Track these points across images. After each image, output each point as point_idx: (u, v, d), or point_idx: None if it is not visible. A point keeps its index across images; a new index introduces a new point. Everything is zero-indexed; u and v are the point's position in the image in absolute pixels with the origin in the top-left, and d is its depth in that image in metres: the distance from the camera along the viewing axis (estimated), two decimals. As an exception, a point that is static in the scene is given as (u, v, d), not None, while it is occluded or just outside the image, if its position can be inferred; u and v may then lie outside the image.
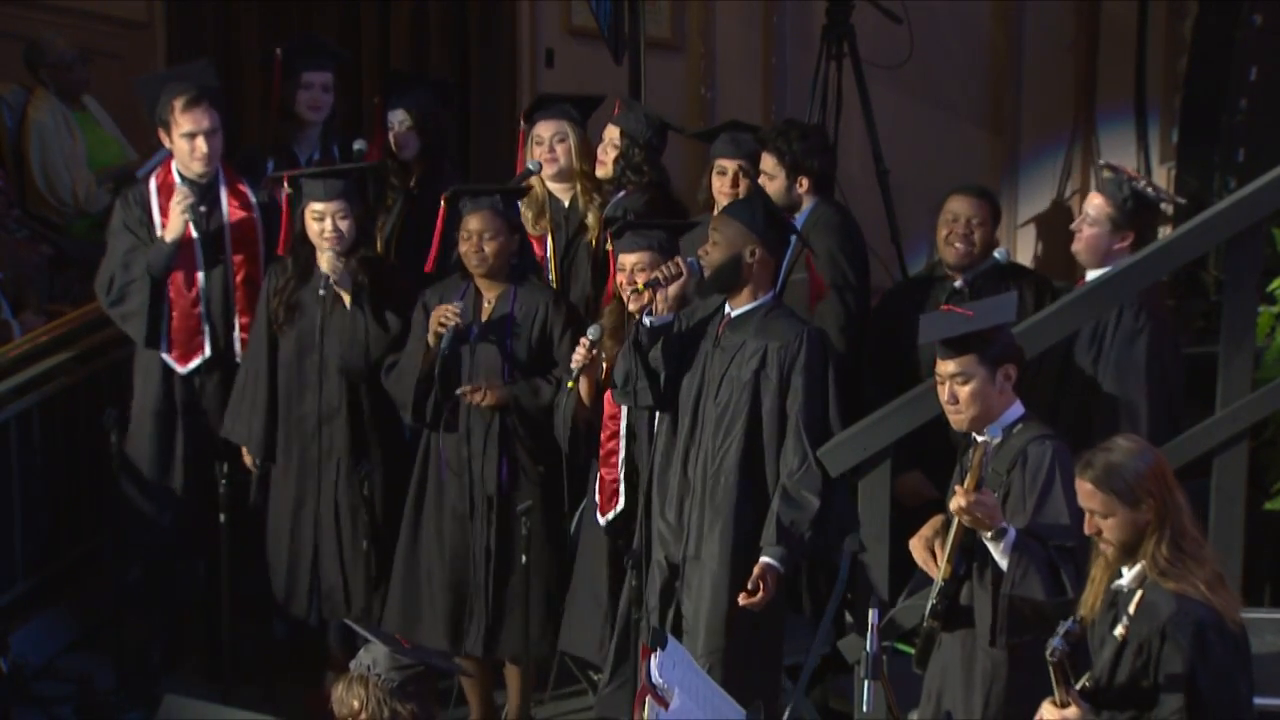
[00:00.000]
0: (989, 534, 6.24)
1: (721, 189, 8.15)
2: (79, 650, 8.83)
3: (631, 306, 7.39)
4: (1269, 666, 6.67)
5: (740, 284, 7.18)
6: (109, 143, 10.64)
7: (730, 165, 8.15)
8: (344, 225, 7.95)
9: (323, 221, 7.96)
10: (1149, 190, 7.45)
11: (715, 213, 7.51)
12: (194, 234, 8.24)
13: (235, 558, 8.20)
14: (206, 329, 8.31)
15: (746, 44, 10.52)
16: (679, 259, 7.26)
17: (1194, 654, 5.51)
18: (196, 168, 8.22)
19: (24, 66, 10.47)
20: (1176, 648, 5.53)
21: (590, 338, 7.45)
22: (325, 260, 7.97)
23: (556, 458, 7.72)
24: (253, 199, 8.36)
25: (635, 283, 7.37)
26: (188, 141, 8.22)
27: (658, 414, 7.41)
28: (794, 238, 7.60)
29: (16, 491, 8.67)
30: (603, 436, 7.61)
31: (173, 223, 8.21)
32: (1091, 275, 7.38)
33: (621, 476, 7.54)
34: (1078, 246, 7.47)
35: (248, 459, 8.26)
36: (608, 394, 7.53)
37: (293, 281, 8.06)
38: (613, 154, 8.25)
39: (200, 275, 8.29)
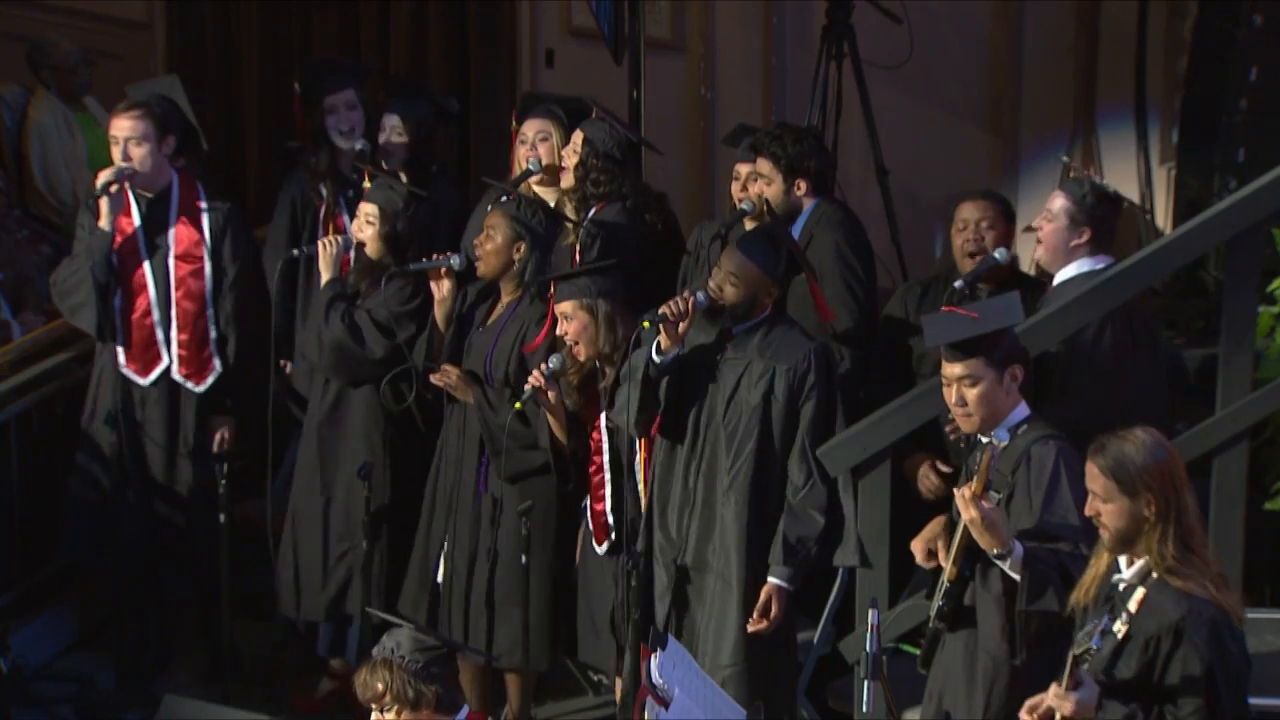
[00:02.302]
0: (996, 550, 6.24)
1: (735, 193, 8.16)
2: (79, 650, 8.83)
3: (581, 356, 7.41)
4: (1269, 666, 6.68)
5: (752, 317, 7.18)
6: (109, 144, 10.62)
7: (744, 170, 8.15)
8: (367, 231, 8.04)
9: (358, 219, 8.09)
10: (1108, 186, 7.43)
11: (731, 246, 7.30)
12: (137, 222, 8.26)
13: (235, 558, 8.22)
14: (160, 338, 8.32)
15: (746, 44, 10.52)
16: (686, 293, 7.16)
17: (1213, 655, 5.53)
18: (104, 176, 8.23)
19: (26, 66, 10.48)
20: (1194, 649, 5.53)
21: (551, 366, 7.44)
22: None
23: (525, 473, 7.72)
24: (205, 218, 8.34)
25: (566, 332, 7.40)
26: (113, 146, 8.26)
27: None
28: (794, 237, 7.59)
29: (17, 491, 8.67)
30: (590, 469, 7.61)
31: (102, 211, 8.25)
32: (1058, 278, 7.35)
33: (609, 509, 7.54)
34: (1039, 252, 7.43)
35: None
36: (597, 423, 7.52)
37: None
38: (573, 160, 8.21)
39: (151, 286, 8.30)
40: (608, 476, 7.52)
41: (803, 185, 8.01)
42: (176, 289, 8.30)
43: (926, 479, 7.53)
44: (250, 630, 8.57)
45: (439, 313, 7.84)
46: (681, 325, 7.11)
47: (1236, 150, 9.10)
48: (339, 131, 8.72)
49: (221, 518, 8.06)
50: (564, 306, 7.44)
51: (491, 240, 7.72)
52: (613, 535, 7.51)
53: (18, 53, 10.61)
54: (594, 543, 7.60)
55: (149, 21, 11.76)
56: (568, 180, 8.16)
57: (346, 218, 8.65)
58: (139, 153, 8.21)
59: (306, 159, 8.82)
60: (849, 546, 7.14)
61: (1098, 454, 5.69)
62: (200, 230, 8.33)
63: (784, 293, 7.28)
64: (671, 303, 7.12)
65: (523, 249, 7.71)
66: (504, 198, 7.96)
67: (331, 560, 8.20)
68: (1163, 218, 9.81)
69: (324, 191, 8.70)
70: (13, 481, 8.66)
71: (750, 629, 7.08)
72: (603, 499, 7.53)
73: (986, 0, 10.10)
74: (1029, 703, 5.75)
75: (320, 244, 8.15)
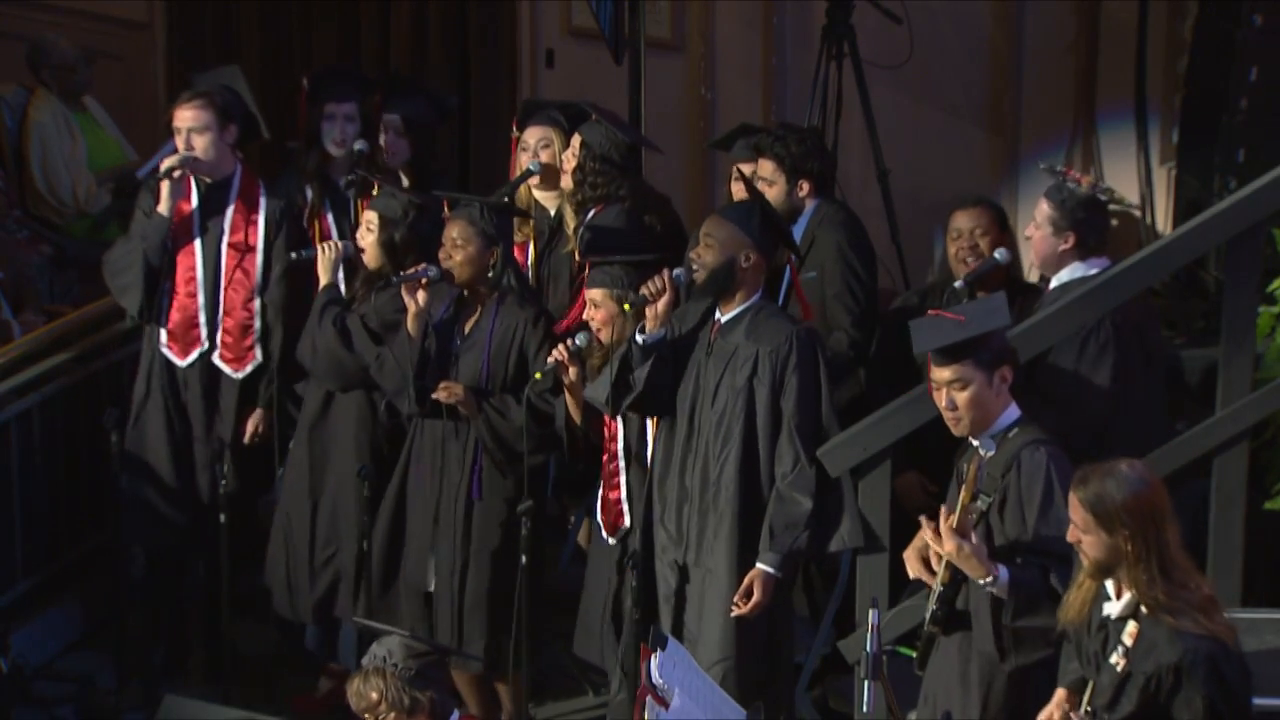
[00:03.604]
0: (980, 579, 6.25)
1: (737, 194, 8.15)
2: (79, 650, 8.83)
3: (601, 327, 7.44)
4: (1269, 666, 6.67)
5: (733, 289, 7.14)
6: (109, 144, 10.65)
7: (746, 169, 8.15)
8: (367, 238, 8.02)
9: (361, 227, 8.09)
10: (1087, 191, 7.42)
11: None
12: (194, 203, 8.28)
13: (235, 557, 8.22)
14: (202, 321, 8.34)
15: (746, 44, 10.53)
16: (665, 272, 7.19)
17: (1214, 691, 5.55)
18: (168, 162, 8.27)
19: (26, 67, 10.49)
20: (1195, 689, 5.55)
21: (577, 343, 7.44)
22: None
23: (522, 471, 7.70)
24: (262, 206, 8.38)
25: (593, 319, 7.44)
26: (176, 136, 8.29)
27: (651, 424, 7.41)
28: (797, 238, 7.58)
29: (16, 491, 8.68)
30: (604, 458, 7.60)
31: (162, 196, 8.27)
32: (1053, 283, 7.36)
33: (624, 496, 7.53)
34: (1033, 258, 7.46)
35: None
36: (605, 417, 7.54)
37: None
38: (572, 163, 8.22)
39: (199, 268, 8.33)
40: (622, 464, 7.52)
41: (805, 186, 8.02)
42: (226, 275, 8.35)
43: (912, 499, 7.55)
44: (250, 630, 8.57)
45: (413, 325, 7.78)
46: (661, 303, 7.12)
47: (1236, 150, 9.11)
48: (332, 140, 8.72)
49: (222, 517, 8.07)
50: (594, 293, 7.48)
51: (464, 250, 7.69)
52: (628, 520, 7.49)
53: (18, 53, 10.61)
54: (603, 533, 7.60)
55: (149, 21, 11.76)
56: (567, 183, 8.17)
57: (330, 219, 8.68)
58: (201, 142, 8.26)
59: (298, 158, 8.84)
60: (845, 529, 7.10)
61: (1080, 485, 5.70)
62: (256, 221, 8.36)
63: (769, 268, 7.25)
64: (650, 282, 7.15)
65: (496, 254, 7.71)
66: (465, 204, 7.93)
67: (318, 563, 8.20)
68: (1163, 218, 9.81)
69: (309, 193, 8.71)
70: (13, 482, 8.67)
71: (733, 613, 7.06)
72: (618, 486, 7.53)
73: (986, 0, 10.10)
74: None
75: (320, 248, 8.15)
